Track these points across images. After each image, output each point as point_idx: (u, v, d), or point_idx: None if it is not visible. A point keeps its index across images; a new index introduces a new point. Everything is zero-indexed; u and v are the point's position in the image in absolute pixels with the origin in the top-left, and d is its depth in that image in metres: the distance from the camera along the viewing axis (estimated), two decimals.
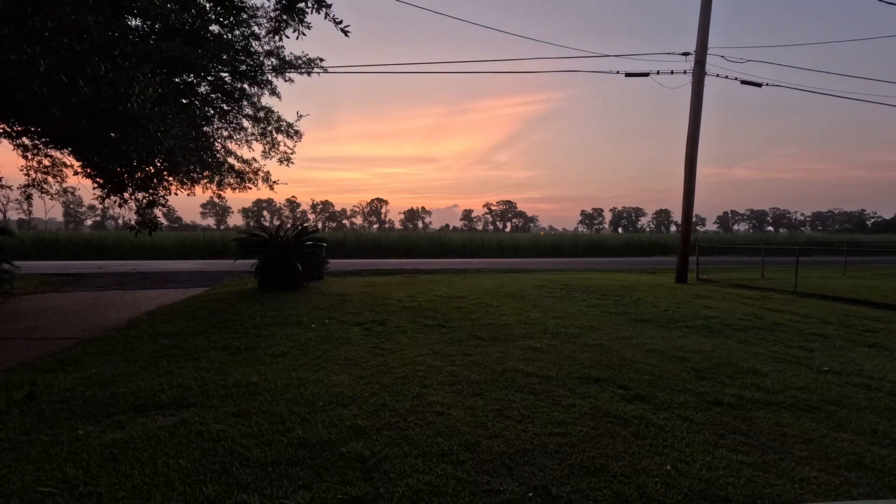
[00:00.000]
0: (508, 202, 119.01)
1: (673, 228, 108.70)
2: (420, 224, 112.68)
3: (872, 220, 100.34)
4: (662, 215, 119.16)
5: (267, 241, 9.71)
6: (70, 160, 8.86)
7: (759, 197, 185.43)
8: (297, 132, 10.70)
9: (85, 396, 3.47)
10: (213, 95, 9.59)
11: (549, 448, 2.74)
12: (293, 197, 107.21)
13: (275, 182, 11.45)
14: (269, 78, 9.50)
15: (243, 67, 9.02)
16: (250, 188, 11.35)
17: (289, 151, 10.88)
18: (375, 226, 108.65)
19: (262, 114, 10.30)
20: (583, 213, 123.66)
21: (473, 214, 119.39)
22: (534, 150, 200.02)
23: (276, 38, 8.70)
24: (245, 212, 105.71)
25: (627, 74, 12.41)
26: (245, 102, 9.99)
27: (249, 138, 10.71)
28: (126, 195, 7.92)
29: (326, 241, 13.44)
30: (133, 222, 8.01)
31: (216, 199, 11.86)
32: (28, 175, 8.89)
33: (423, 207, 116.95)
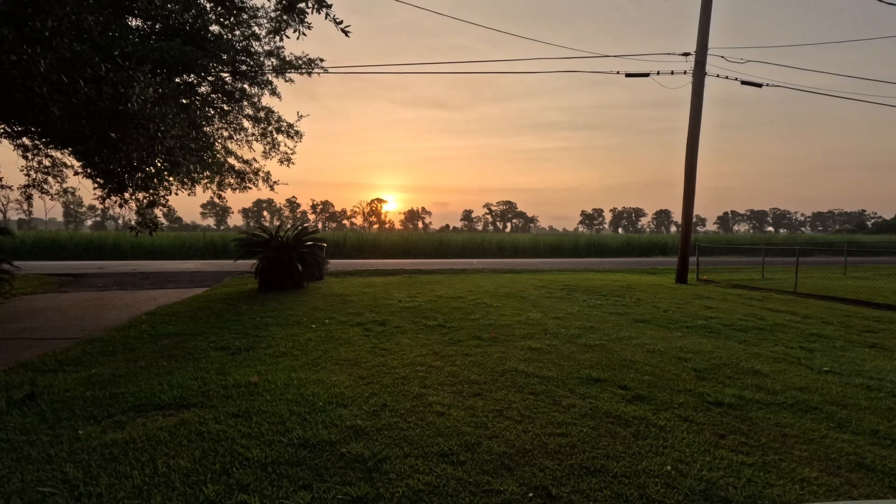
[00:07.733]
0: (509, 202, 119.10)
1: (673, 229, 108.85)
2: (420, 224, 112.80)
3: (873, 221, 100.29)
4: (662, 215, 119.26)
5: (267, 242, 9.71)
6: (70, 160, 8.85)
7: (760, 197, 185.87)
8: (297, 132, 10.72)
9: (85, 396, 3.47)
10: (214, 95, 9.61)
11: (549, 448, 2.74)
12: (293, 197, 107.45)
13: (275, 182, 11.47)
14: (270, 78, 9.52)
15: (244, 68, 9.04)
16: (250, 188, 11.37)
17: (289, 152, 10.91)
18: (376, 226, 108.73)
19: (262, 114, 10.33)
20: (583, 213, 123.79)
21: (473, 215, 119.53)
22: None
23: (277, 38, 8.77)
24: (245, 212, 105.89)
25: (628, 75, 12.41)
26: (245, 103, 10.01)
27: (250, 138, 10.74)
28: (126, 195, 7.93)
29: (326, 241, 13.46)
30: (133, 222, 8.03)
31: (216, 200, 11.85)
32: (28, 175, 8.88)
33: (423, 208, 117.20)
